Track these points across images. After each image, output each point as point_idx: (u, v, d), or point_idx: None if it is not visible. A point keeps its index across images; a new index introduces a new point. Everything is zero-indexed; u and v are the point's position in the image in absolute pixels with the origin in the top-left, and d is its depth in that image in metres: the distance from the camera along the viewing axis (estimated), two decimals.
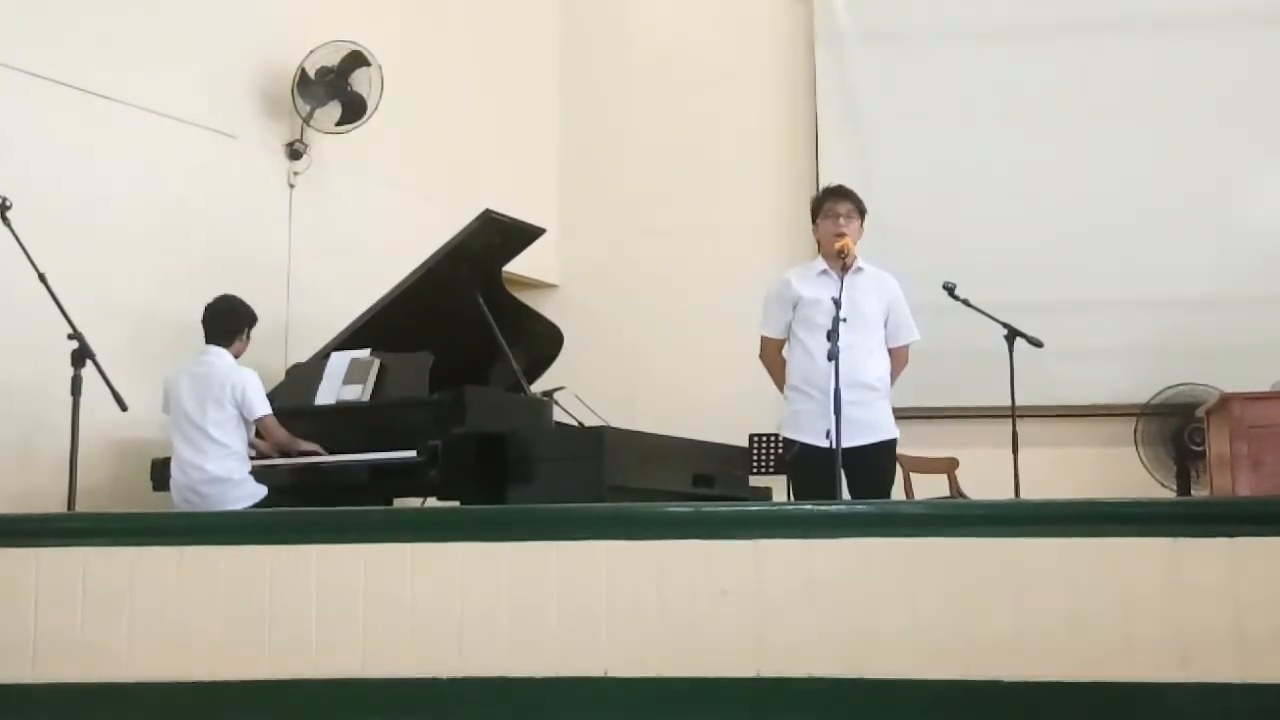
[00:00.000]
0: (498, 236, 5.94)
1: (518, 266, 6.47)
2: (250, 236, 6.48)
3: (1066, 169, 7.55)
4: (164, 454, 5.59)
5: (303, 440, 5.58)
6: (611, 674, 3.78)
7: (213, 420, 5.39)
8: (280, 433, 5.54)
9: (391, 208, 7.13)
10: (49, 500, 5.19)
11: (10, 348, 5.38)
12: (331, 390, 5.78)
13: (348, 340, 5.99)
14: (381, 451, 5.49)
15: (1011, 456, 5.47)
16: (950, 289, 5.57)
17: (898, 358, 5.20)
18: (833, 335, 4.66)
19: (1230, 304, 7.27)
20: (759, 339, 5.27)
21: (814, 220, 5.22)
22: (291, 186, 6.72)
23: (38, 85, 5.63)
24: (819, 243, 5.22)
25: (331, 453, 5.59)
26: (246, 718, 3.87)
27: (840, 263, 4.97)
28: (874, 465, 4.96)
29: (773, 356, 5.24)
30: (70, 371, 4.78)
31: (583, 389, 6.42)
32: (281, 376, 6.10)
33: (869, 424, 4.93)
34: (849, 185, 5.27)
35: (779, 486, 6.38)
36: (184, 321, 5.68)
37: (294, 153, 6.71)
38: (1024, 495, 5.37)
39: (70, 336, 4.80)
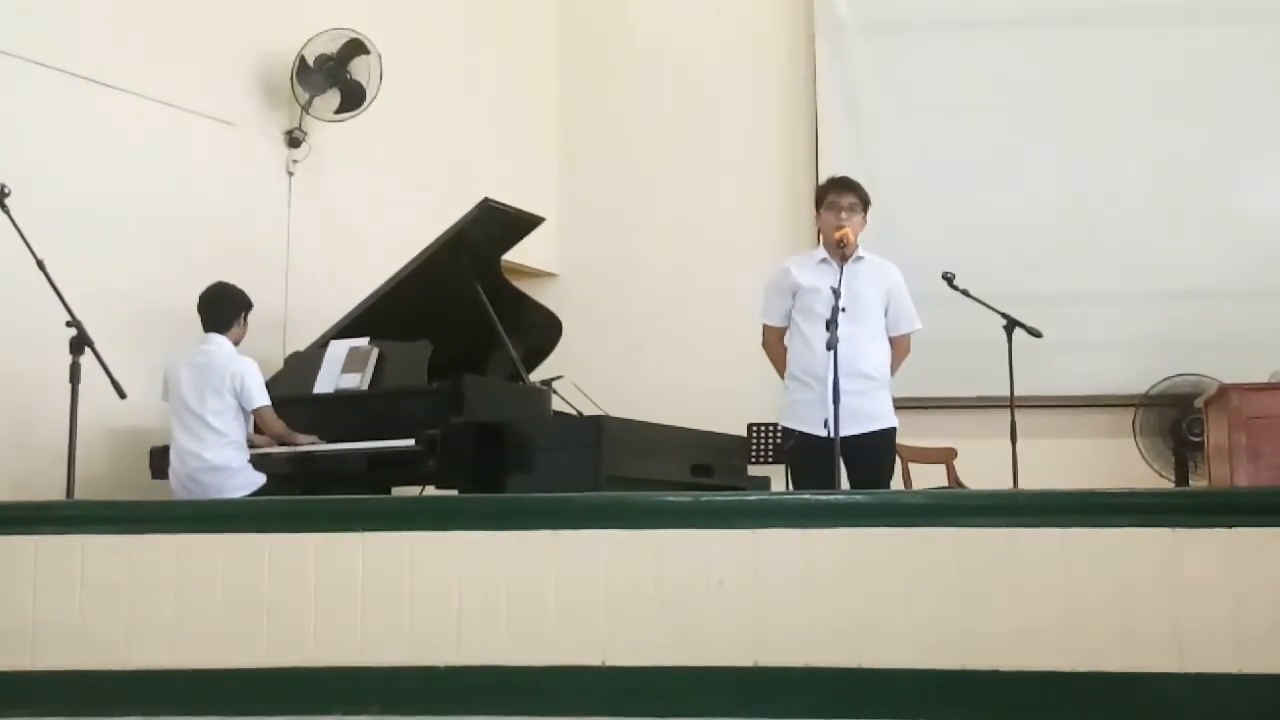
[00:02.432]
0: (497, 225, 5.94)
1: (517, 255, 6.46)
2: (249, 224, 6.48)
3: (1066, 160, 7.54)
4: (163, 442, 5.59)
5: (299, 433, 5.58)
6: (609, 663, 3.79)
7: (211, 409, 5.38)
8: (277, 424, 5.54)
9: (390, 196, 7.11)
10: (47, 488, 5.19)
11: (9, 335, 5.37)
12: (330, 379, 5.78)
13: (346, 329, 5.98)
14: (380, 440, 5.48)
15: (1010, 447, 5.47)
16: (949, 279, 5.56)
17: (898, 347, 5.20)
18: (831, 324, 4.65)
19: (1229, 295, 7.27)
20: (760, 327, 5.27)
21: (817, 209, 5.21)
22: (290, 174, 6.71)
23: (37, 72, 5.62)
24: (820, 232, 5.22)
25: (330, 441, 5.59)
26: (244, 706, 3.87)
27: (840, 252, 4.97)
28: (873, 454, 4.95)
29: (774, 345, 5.23)
30: (69, 359, 4.77)
31: (581, 378, 6.42)
32: (280, 365, 6.09)
33: (868, 413, 4.92)
34: (852, 177, 5.25)
35: (778, 476, 6.37)
36: (182, 309, 5.66)
37: (293, 141, 6.70)
38: (1022, 485, 5.37)
39: (69, 324, 4.79)
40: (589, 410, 6.19)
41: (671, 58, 8.27)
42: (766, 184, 8.04)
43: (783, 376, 5.21)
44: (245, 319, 5.63)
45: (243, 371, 5.44)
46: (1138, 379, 7.16)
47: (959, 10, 7.79)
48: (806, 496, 4.36)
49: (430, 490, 5.82)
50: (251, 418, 5.52)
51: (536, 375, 6.17)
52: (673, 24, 8.36)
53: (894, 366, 5.18)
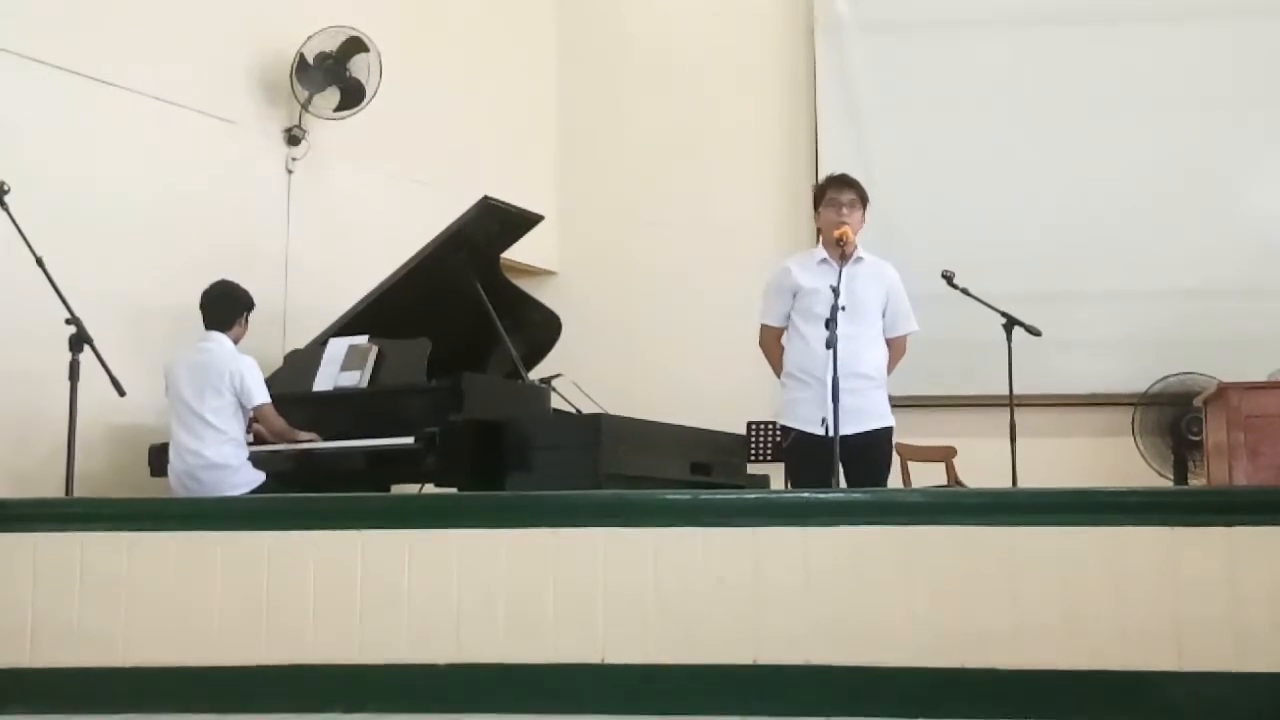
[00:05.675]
0: (496, 223, 5.94)
1: (516, 253, 6.46)
2: (248, 222, 6.47)
3: (1066, 159, 7.55)
4: (162, 439, 5.59)
5: (300, 431, 5.59)
6: (608, 660, 3.79)
7: (211, 407, 5.39)
8: (278, 421, 5.54)
9: (390, 194, 7.11)
10: (47, 485, 5.18)
11: (8, 333, 5.37)
12: (329, 377, 5.78)
13: (346, 326, 5.98)
14: (379, 438, 5.49)
15: (1009, 445, 5.47)
16: (949, 278, 5.56)
17: (895, 348, 5.20)
18: (831, 324, 4.65)
19: (1228, 294, 7.28)
20: (759, 327, 5.27)
21: (816, 208, 5.21)
22: (290, 172, 6.71)
23: (37, 70, 5.61)
24: (820, 231, 5.22)
25: (329, 439, 5.59)
26: (243, 703, 3.87)
27: (840, 251, 4.97)
28: (869, 453, 4.95)
29: (771, 345, 5.23)
30: (68, 356, 4.77)
31: (581, 376, 6.42)
32: (279, 363, 6.09)
33: (864, 412, 4.92)
34: (850, 174, 5.25)
35: (777, 474, 6.36)
36: (182, 307, 5.67)
37: (292, 138, 6.70)
38: (1021, 484, 5.37)
39: (68, 321, 4.79)
40: (588, 408, 6.19)
41: (670, 56, 8.27)
42: (766, 182, 8.04)
43: (779, 376, 5.21)
44: (246, 319, 5.64)
45: (242, 370, 5.44)
46: (1137, 378, 7.16)
47: (958, 8, 7.80)
48: (806, 495, 4.36)
49: (429, 488, 5.81)
50: (250, 415, 5.53)
51: (536, 373, 6.17)
52: (672, 23, 8.35)
53: (890, 367, 5.18)
